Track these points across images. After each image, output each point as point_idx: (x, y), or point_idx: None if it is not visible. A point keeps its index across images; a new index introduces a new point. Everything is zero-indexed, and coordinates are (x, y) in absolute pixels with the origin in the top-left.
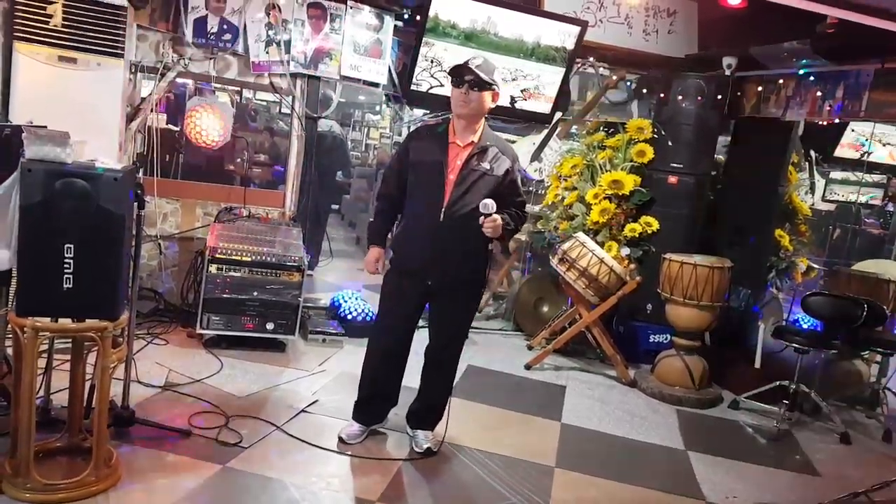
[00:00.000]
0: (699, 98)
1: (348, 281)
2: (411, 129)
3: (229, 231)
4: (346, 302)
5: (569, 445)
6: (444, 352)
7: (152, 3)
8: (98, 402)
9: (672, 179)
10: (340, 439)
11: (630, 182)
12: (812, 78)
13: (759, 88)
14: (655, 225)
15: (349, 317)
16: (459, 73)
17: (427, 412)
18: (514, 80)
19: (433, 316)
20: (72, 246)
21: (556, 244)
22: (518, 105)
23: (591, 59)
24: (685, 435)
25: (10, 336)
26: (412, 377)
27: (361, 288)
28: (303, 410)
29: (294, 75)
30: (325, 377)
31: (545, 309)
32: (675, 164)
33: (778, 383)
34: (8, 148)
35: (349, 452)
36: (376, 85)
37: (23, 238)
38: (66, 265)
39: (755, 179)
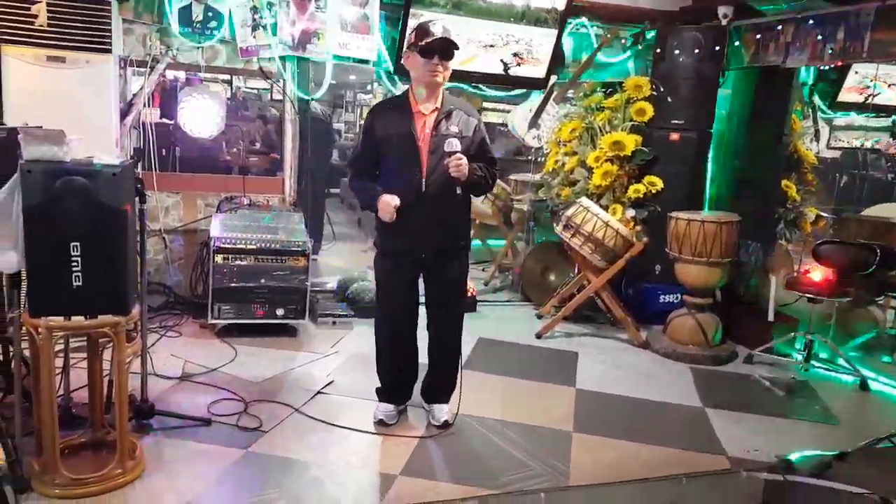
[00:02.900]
0: (696, 51)
1: (352, 263)
2: (372, 107)
3: (232, 220)
4: (352, 284)
5: (585, 410)
6: (447, 320)
7: None
8: (118, 396)
9: (674, 136)
10: (381, 421)
11: (631, 142)
12: (811, 21)
13: (758, 36)
14: (659, 184)
15: (357, 298)
16: (430, 46)
17: (440, 384)
18: (505, 45)
19: (429, 287)
20: (78, 244)
21: (559, 211)
22: (511, 71)
23: (584, 18)
24: (701, 392)
25: (26, 338)
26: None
27: (367, 269)
28: (319, 392)
29: (283, 58)
30: (338, 358)
31: (552, 277)
32: (676, 121)
33: (793, 335)
34: (6, 150)
35: (384, 432)
36: (367, 62)
37: (29, 239)
38: (73, 263)
39: (759, 130)
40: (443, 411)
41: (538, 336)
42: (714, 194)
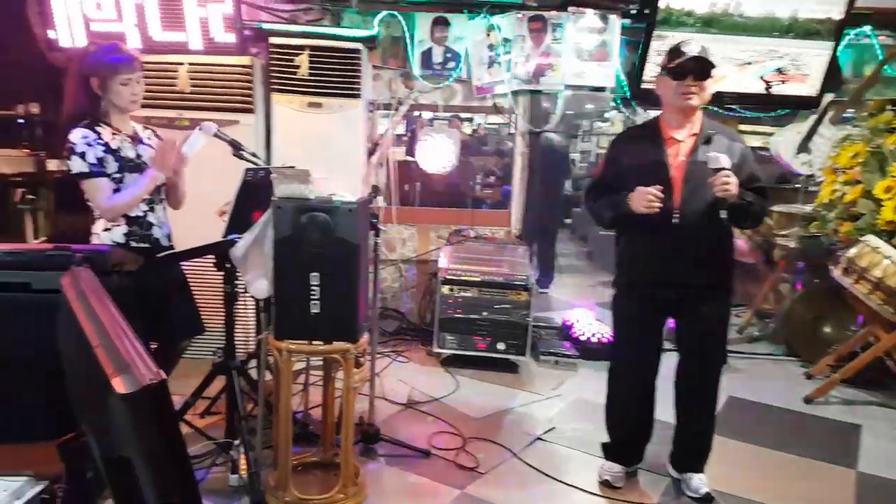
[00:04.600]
0: None
1: (580, 299)
2: (616, 135)
3: (459, 252)
4: (578, 322)
5: (870, 501)
6: (701, 375)
7: (382, 43)
8: (344, 422)
9: None
10: (607, 482)
11: None
12: None
13: None
14: None
15: (583, 338)
16: (682, 66)
17: (693, 451)
18: (766, 61)
19: (681, 334)
20: (317, 274)
21: (836, 250)
22: (774, 90)
23: (867, 27)
24: None
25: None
26: (664, 407)
27: (595, 307)
28: (539, 438)
29: (516, 92)
30: (561, 402)
31: (826, 329)
32: None
33: None
34: (265, 188)
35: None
36: (603, 89)
37: (277, 269)
38: (312, 292)
39: None
40: (702, 482)
41: (807, 401)
42: None
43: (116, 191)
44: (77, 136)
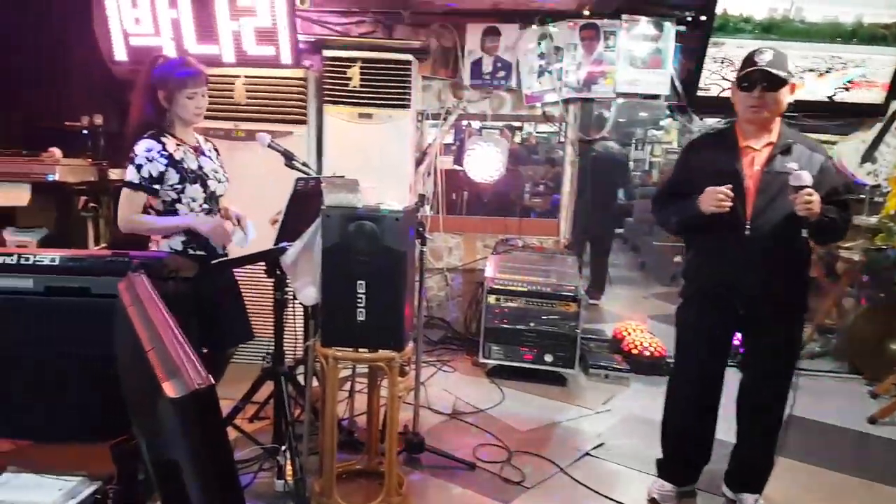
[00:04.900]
0: None
1: (632, 311)
2: (691, 140)
3: (505, 262)
4: (629, 334)
5: None
6: (766, 395)
7: (434, 54)
8: (389, 431)
9: None
10: (654, 501)
11: None
12: None
13: None
14: None
15: (634, 351)
16: (748, 76)
17: (751, 471)
18: (828, 70)
19: (747, 351)
20: (364, 282)
21: None
22: (837, 98)
23: None
24: None
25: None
26: (724, 426)
27: (647, 319)
28: (587, 453)
29: (566, 101)
30: (611, 418)
31: (892, 346)
32: None
33: None
34: (316, 197)
35: None
36: (656, 97)
37: (325, 276)
38: (359, 300)
39: None
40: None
41: (872, 421)
42: None
43: (177, 201)
44: (141, 147)
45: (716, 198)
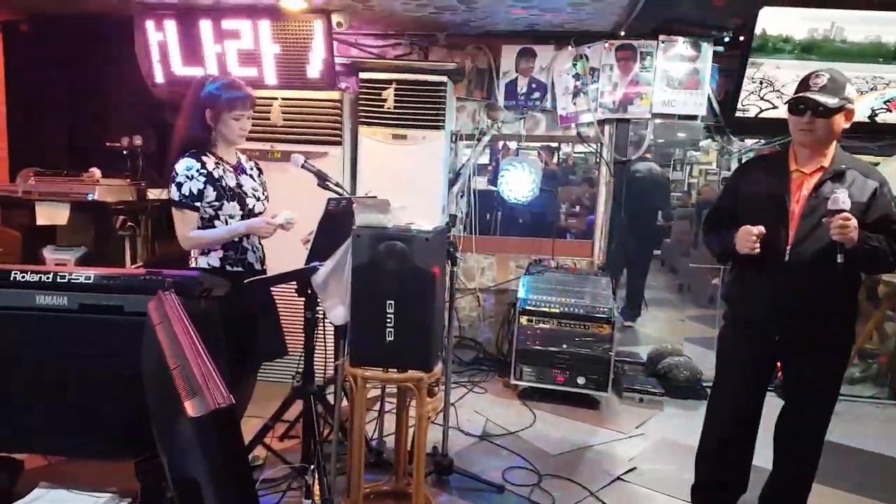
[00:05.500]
0: None
1: (669, 334)
2: (742, 162)
3: (538, 283)
4: (665, 358)
5: None
6: (805, 425)
7: (468, 75)
8: (417, 452)
9: None
10: None
11: None
12: None
13: None
14: None
15: (670, 375)
16: (797, 101)
17: (786, 499)
18: (872, 90)
19: (787, 379)
20: (392, 302)
21: None
22: (880, 119)
23: None
24: None
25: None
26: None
27: (684, 342)
28: (618, 478)
29: (602, 121)
30: (644, 442)
31: None
32: None
33: None
34: (347, 216)
35: None
36: (694, 118)
37: (355, 296)
38: (388, 320)
39: None
40: None
41: None
42: None
43: (214, 218)
44: (182, 166)
45: (750, 240)
